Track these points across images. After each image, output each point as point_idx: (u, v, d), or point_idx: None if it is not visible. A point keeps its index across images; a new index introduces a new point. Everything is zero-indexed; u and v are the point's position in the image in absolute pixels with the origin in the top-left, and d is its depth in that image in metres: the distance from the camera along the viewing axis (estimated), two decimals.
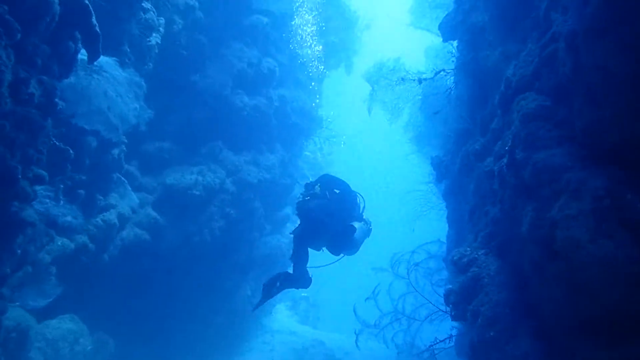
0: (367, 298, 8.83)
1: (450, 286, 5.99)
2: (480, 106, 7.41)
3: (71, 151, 6.65)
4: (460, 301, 5.55)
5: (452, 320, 5.77)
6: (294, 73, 15.44)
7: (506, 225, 5.06)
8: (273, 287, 6.71)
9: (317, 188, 7.07)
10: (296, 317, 18.84)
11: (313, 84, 15.97)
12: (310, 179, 7.73)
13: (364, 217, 7.41)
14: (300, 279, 6.86)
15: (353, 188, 7.52)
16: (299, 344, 14.24)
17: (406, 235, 12.66)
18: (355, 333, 8.79)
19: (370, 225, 7.38)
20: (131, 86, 7.79)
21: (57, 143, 6.26)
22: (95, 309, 9.15)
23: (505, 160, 4.84)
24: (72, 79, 6.58)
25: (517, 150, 4.59)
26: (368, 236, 7.32)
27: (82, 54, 6.54)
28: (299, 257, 6.76)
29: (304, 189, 7.29)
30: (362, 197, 7.60)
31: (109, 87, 7.20)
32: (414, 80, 8.51)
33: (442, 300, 8.09)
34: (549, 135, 4.45)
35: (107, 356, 9.01)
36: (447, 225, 11.05)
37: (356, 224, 6.98)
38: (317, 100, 16.95)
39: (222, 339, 12.24)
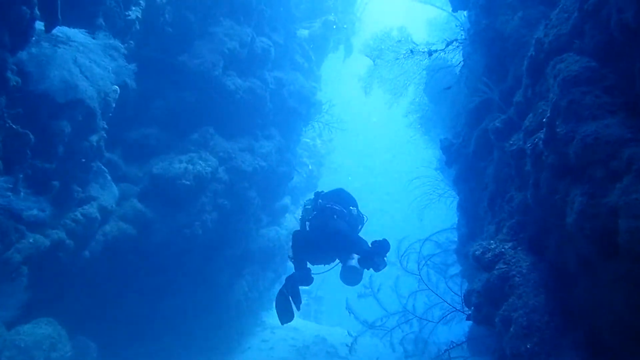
0: (362, 295, 7.95)
1: (472, 285, 5.17)
2: (499, 79, 6.55)
3: (31, 135, 5.80)
4: (485, 303, 4.74)
5: (476, 324, 4.95)
6: (290, 54, 14.56)
7: (541, 214, 4.23)
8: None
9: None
10: (297, 312, 18.08)
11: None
12: (321, 190, 7.63)
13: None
14: (302, 277, 6.63)
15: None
16: (300, 341, 13.49)
17: (414, 225, 11.87)
18: (349, 334, 7.97)
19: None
20: (106, 50, 6.90)
21: (13, 126, 5.41)
22: (75, 310, 8.37)
23: (541, 135, 4.00)
24: (33, 50, 5.72)
25: (558, 123, 3.75)
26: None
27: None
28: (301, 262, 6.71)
29: (315, 201, 7.23)
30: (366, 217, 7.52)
31: (80, 55, 6.31)
32: (424, 52, 7.59)
33: (456, 297, 7.32)
34: (598, 103, 3.61)
35: None
36: (457, 214, 10.27)
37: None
38: (316, 85, 16.09)
39: (217, 338, 11.48)
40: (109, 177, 8.85)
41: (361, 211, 7.46)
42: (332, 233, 6.64)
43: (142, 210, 9.40)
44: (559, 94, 3.83)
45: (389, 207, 37.44)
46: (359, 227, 7.32)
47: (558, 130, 3.71)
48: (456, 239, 9.75)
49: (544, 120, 3.87)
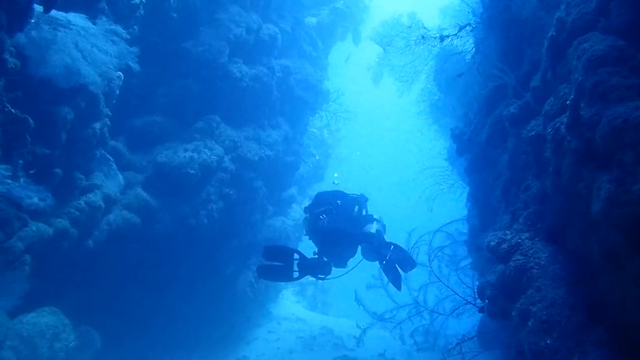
0: (371, 286, 7.79)
1: (486, 277, 4.97)
2: (515, 64, 6.30)
3: (30, 120, 5.63)
4: (500, 296, 4.55)
5: (490, 318, 4.76)
6: (298, 42, 14.30)
7: (562, 203, 4.02)
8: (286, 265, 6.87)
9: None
10: (304, 303, 17.98)
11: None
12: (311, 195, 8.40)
13: (374, 216, 7.47)
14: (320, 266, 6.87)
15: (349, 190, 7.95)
16: (307, 332, 13.36)
17: (424, 216, 11.65)
18: (358, 326, 7.86)
19: (382, 221, 7.37)
20: (107, 35, 6.70)
21: (12, 110, 5.25)
22: (80, 300, 8.27)
23: (563, 119, 3.78)
24: (32, 33, 5.54)
25: (582, 105, 3.52)
26: (384, 232, 7.25)
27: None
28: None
29: (306, 213, 7.64)
30: (362, 196, 7.83)
31: (81, 39, 6.12)
32: (436, 37, 7.33)
33: (467, 290, 7.12)
34: (626, 84, 3.38)
35: (93, 353, 8.13)
36: (467, 205, 10.05)
37: (373, 229, 6.96)
38: (322, 73, 15.83)
39: (223, 329, 11.37)
40: (114, 166, 8.70)
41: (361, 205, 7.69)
42: (325, 235, 7.00)
43: (147, 200, 9.25)
44: (584, 75, 3.60)
45: (397, 198, 37.22)
46: (358, 208, 7.51)
47: (582, 113, 3.49)
48: (465, 231, 9.55)
49: (568, 103, 3.64)
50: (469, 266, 8.31)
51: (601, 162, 3.30)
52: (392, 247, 6.78)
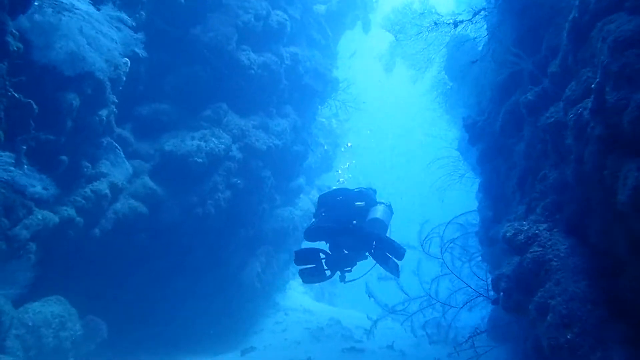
0: (382, 278, 7.65)
1: (501, 269, 4.81)
2: (532, 50, 6.08)
3: (34, 105, 5.50)
4: (516, 289, 4.39)
5: (505, 311, 4.59)
6: (307, 30, 14.08)
7: (583, 192, 3.84)
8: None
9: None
10: (311, 294, 17.88)
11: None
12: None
13: (383, 200, 7.47)
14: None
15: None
16: (314, 324, 13.24)
17: (435, 207, 11.47)
18: (369, 318, 7.75)
19: (389, 205, 7.37)
20: (112, 22, 6.55)
21: (15, 95, 5.12)
22: (86, 289, 8.19)
23: (587, 104, 3.59)
24: (36, 17, 5.40)
25: (608, 89, 3.34)
26: (391, 215, 7.28)
27: None
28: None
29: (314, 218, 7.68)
30: (369, 189, 7.93)
31: (85, 24, 5.98)
32: (449, 23, 7.12)
33: (480, 282, 6.97)
34: None
35: (99, 342, 8.06)
36: (478, 196, 9.87)
37: (378, 212, 7.02)
38: (331, 62, 15.60)
39: (230, 320, 11.28)
40: (121, 154, 8.59)
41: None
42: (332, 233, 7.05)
43: (154, 188, 9.15)
44: (610, 58, 3.40)
45: (408, 188, 37.06)
46: (364, 201, 7.45)
47: (608, 98, 3.30)
48: (476, 222, 9.37)
49: (593, 86, 3.45)
50: (479, 258, 8.15)
51: (628, 149, 3.12)
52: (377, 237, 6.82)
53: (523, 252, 4.24)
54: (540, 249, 4.06)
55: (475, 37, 8.61)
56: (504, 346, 7.89)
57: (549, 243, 4.07)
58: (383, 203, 7.41)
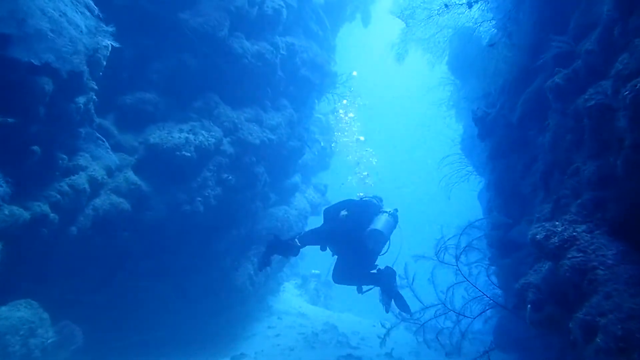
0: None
1: (527, 278, 4.16)
2: (556, 31, 5.45)
3: None
4: (548, 301, 3.74)
5: (533, 327, 3.94)
6: (304, 20, 13.44)
7: (637, 186, 3.20)
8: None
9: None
10: (306, 296, 17.21)
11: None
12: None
13: (388, 209, 7.33)
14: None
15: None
16: (309, 328, 12.58)
17: (443, 205, 10.85)
18: (382, 325, 7.33)
19: (393, 213, 7.20)
20: (77, 5, 5.87)
21: None
22: (61, 292, 7.53)
23: None
24: None
25: None
26: (395, 224, 7.14)
27: None
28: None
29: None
30: (374, 197, 7.88)
31: (47, 4, 5.29)
32: (462, 4, 6.50)
33: (495, 290, 6.33)
34: None
35: (74, 350, 7.37)
36: (486, 195, 9.26)
37: (379, 223, 6.96)
38: (330, 54, 14.96)
39: (220, 324, 10.63)
40: (105, 144, 7.90)
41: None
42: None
43: (138, 184, 8.45)
44: None
45: (414, 186, 36.54)
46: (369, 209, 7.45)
47: None
48: (476, 224, 8.76)
49: None
50: (482, 262, 7.54)
51: None
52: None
53: (558, 258, 3.60)
54: (581, 254, 3.42)
55: (481, 24, 7.95)
56: (510, 356, 7.30)
57: (591, 247, 3.43)
58: (387, 212, 7.18)
